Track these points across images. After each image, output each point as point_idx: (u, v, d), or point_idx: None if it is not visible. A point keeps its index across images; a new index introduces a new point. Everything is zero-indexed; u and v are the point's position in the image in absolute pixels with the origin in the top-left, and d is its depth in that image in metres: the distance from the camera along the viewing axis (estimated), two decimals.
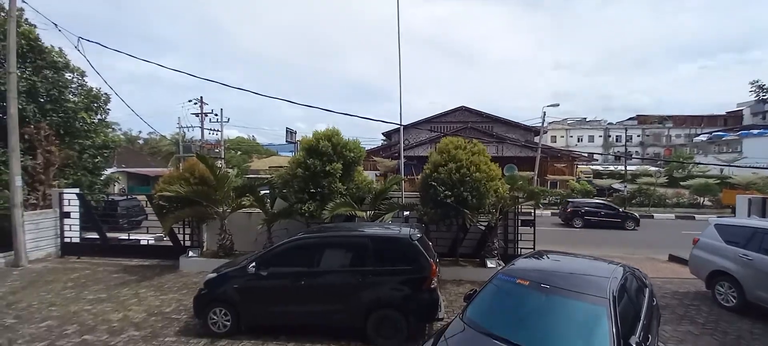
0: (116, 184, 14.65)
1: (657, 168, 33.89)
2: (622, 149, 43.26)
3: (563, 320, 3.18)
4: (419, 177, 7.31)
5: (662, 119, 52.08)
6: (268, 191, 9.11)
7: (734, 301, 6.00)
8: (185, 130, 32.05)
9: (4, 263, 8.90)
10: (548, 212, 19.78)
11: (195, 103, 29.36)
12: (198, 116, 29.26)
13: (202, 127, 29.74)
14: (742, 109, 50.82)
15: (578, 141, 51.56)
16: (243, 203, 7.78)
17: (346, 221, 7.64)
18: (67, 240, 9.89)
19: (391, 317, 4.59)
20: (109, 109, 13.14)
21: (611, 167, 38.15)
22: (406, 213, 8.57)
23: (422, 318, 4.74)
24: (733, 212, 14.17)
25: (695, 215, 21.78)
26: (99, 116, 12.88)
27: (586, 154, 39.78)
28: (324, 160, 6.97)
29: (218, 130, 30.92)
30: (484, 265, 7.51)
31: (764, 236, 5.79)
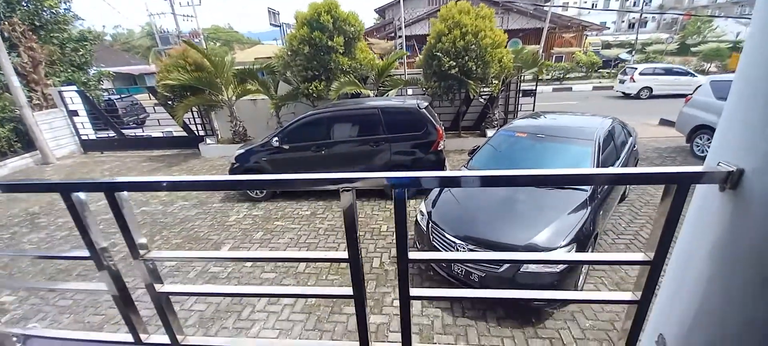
0: (110, 81, 14.20)
1: (669, 35, 31.93)
2: (637, 15, 39.83)
3: (555, 160, 3.73)
4: (422, 50, 7.17)
5: None
6: (268, 76, 9.03)
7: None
8: (154, 17, 29.05)
9: (33, 162, 9.52)
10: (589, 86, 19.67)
11: None
12: (166, 0, 26.08)
13: (174, 13, 26.82)
14: None
15: (592, 6, 47.04)
16: (248, 88, 7.81)
17: (350, 99, 7.83)
18: (84, 138, 10.29)
19: None
20: None
21: (622, 37, 35.89)
22: (410, 90, 8.71)
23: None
24: None
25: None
26: (64, 6, 11.73)
27: (598, 24, 36.88)
28: (327, 34, 6.72)
29: (191, 16, 27.96)
30: (485, 135, 8.03)
31: None
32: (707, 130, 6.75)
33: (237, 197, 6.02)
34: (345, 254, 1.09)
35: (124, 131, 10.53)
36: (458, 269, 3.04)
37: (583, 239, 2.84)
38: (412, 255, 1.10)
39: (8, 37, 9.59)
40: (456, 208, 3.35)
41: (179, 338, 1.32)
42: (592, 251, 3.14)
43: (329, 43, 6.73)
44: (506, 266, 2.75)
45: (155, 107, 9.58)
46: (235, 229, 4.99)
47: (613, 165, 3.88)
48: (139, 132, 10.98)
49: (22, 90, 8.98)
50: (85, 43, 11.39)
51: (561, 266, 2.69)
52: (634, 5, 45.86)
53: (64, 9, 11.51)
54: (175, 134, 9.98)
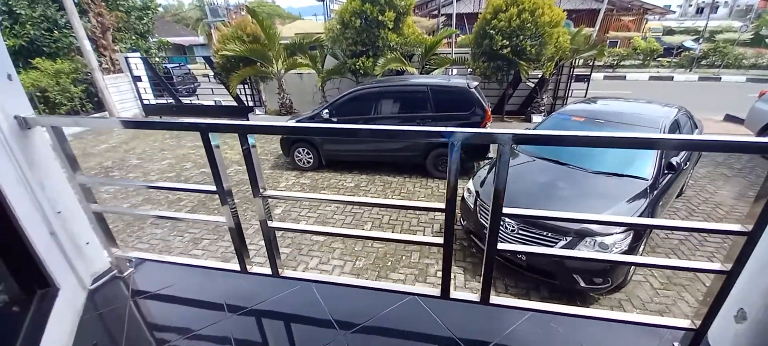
0: (165, 51, 15.14)
1: (743, 23, 28.25)
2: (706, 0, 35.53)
3: (614, 149, 3.61)
4: (475, 26, 6.97)
5: None
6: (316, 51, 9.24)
7: None
8: None
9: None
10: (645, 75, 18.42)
11: None
12: None
13: None
14: None
15: None
16: (297, 61, 8.06)
17: (394, 76, 7.86)
18: (146, 102, 11.17)
19: (446, 155, 5.33)
20: None
21: (688, 23, 32.33)
22: (454, 70, 8.56)
23: (475, 156, 5.46)
24: None
25: None
26: None
27: (662, 7, 33.42)
28: (377, 7, 6.72)
29: None
30: (530, 120, 7.79)
31: None
32: None
33: (285, 165, 6.37)
34: (441, 205, 1.21)
35: (180, 99, 11.32)
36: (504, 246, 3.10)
37: (640, 230, 2.79)
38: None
39: (79, 1, 10.44)
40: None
41: (279, 270, 1.54)
42: (646, 244, 3.07)
43: (380, 17, 6.74)
44: (561, 244, 2.77)
45: (209, 77, 10.17)
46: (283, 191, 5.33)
47: (678, 158, 3.69)
48: (193, 99, 11.74)
49: (93, 54, 9.85)
50: (148, 11, 12.15)
51: (615, 252, 2.68)
52: None
53: None
54: (224, 104, 10.58)
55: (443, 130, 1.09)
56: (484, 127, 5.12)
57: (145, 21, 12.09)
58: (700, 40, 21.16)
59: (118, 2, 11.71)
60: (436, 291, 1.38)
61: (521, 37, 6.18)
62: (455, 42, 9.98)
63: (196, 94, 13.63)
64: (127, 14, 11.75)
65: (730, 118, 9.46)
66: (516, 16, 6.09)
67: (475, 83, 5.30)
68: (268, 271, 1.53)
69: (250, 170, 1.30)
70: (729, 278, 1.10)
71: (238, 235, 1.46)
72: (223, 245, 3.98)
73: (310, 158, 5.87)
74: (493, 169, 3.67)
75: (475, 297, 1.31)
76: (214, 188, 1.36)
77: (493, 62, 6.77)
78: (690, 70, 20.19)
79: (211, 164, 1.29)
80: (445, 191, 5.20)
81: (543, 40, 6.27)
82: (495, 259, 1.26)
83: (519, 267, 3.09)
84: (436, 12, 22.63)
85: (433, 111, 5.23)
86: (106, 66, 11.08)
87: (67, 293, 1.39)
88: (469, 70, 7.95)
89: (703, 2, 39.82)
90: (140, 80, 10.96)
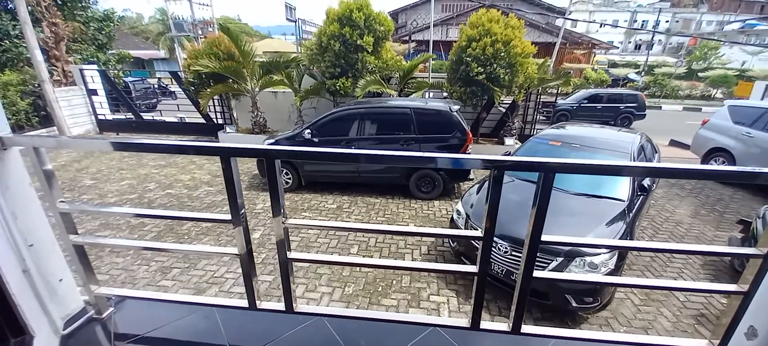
0: (126, 64, 14.27)
1: (678, 59, 32.33)
2: (646, 35, 40.34)
3: None
4: (451, 53, 7.28)
5: (698, 2, 46.94)
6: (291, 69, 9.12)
7: None
8: (169, 3, 28.98)
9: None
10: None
11: None
12: None
13: (191, 1, 26.86)
14: None
15: (600, 26, 47.48)
16: (273, 80, 7.89)
17: (373, 98, 7.93)
18: (101, 117, 10.32)
19: (430, 176, 5.39)
20: None
21: (628, 57, 36.28)
22: (430, 94, 8.83)
23: (456, 178, 5.56)
24: None
25: (702, 107, 21.95)
26: None
27: (606, 43, 37.27)
28: (357, 32, 6.82)
29: (206, 5, 27.97)
30: (503, 143, 8.15)
31: None
32: (723, 153, 6.89)
33: (262, 185, 6.09)
34: (479, 233, 1.17)
35: (140, 114, 10.58)
36: (498, 268, 3.12)
37: (626, 251, 2.94)
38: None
39: (32, 10, 9.65)
40: None
41: (294, 305, 1.40)
42: (625, 263, 3.24)
43: (359, 41, 6.84)
44: (553, 265, 2.84)
45: (171, 92, 9.65)
46: (263, 217, 5.06)
47: (649, 180, 3.99)
48: (154, 115, 11.04)
49: (45, 65, 9.02)
50: (109, 22, 11.47)
51: (603, 272, 2.78)
52: (642, 27, 46.33)
53: None
54: (187, 121, 10.04)
55: (463, 157, 1.08)
56: (465, 149, 5.27)
57: (104, 32, 11.36)
58: (642, 73, 23.74)
59: (75, 13, 10.96)
60: (463, 322, 1.32)
61: (495, 65, 6.53)
62: (430, 67, 10.35)
63: (158, 110, 12.87)
64: (84, 25, 10.99)
65: (674, 143, 10.55)
66: (490, 46, 6.45)
67: (456, 107, 5.48)
68: (280, 306, 1.39)
69: (274, 197, 1.19)
70: (746, 299, 1.15)
71: (248, 264, 1.32)
72: (197, 274, 3.65)
73: (289, 179, 5.66)
74: (483, 191, 3.75)
75: (506, 327, 1.27)
76: (227, 216, 1.23)
77: (469, 87, 7.06)
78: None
79: (229, 191, 1.17)
80: (429, 212, 5.25)
81: (515, 69, 6.67)
82: (509, 286, 1.23)
83: (510, 288, 3.11)
84: (406, 37, 23.56)
85: (416, 133, 5.30)
86: (58, 78, 10.19)
87: (42, 340, 1.16)
88: (445, 93, 8.23)
89: (640, 40, 45.01)
90: (96, 94, 10.16)
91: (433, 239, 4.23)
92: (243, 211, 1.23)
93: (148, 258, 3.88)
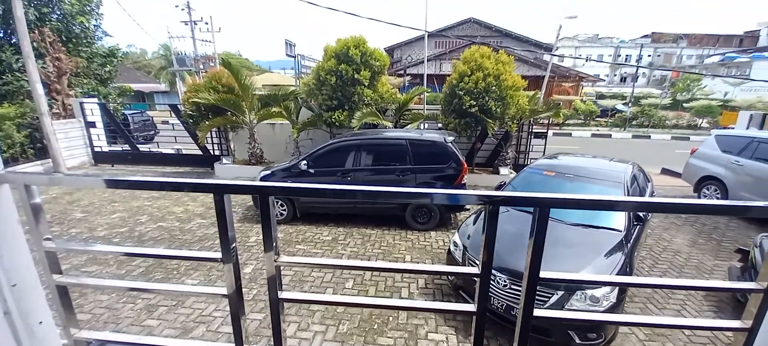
0: (126, 97, 14.52)
1: (661, 90, 33.65)
2: (630, 69, 42.22)
3: None
4: (445, 86, 7.52)
5: (677, 38, 49.64)
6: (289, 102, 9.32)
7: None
8: (174, 39, 30.06)
9: (43, 171, 9.47)
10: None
11: (182, 10, 27.08)
12: (187, 24, 27.22)
13: (193, 38, 27.89)
14: (759, 30, 48.22)
15: (586, 60, 49.75)
16: (271, 112, 8.04)
17: (369, 129, 8.06)
18: (97, 149, 10.32)
19: (426, 207, 5.37)
20: (102, 13, 12.46)
21: (615, 89, 37.69)
22: (425, 125, 9.00)
23: (453, 208, 5.54)
24: None
25: (690, 136, 22.54)
26: (95, 22, 12.28)
27: (593, 75, 38.86)
28: (353, 67, 7.06)
29: (208, 41, 29.05)
30: (498, 172, 8.23)
31: (759, 144, 6.38)
32: (714, 181, 6.98)
33: (256, 218, 6.00)
34: (477, 270, 1.15)
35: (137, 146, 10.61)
36: (498, 302, 3.04)
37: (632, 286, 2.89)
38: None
39: (36, 45, 9.93)
40: None
41: None
42: (627, 295, 3.17)
43: (356, 75, 7.06)
44: (553, 300, 2.77)
45: (173, 124, 9.75)
46: (256, 250, 4.95)
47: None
48: (151, 147, 11.07)
49: (45, 98, 9.14)
50: (113, 59, 11.78)
51: (604, 306, 2.71)
52: (626, 61, 48.60)
53: (94, 25, 12.03)
54: (184, 152, 10.07)
55: (459, 193, 1.08)
56: (461, 179, 5.29)
57: (107, 68, 11.64)
58: (629, 104, 24.54)
59: (80, 49, 11.28)
60: None
61: (487, 98, 6.74)
62: (424, 99, 10.65)
63: (155, 142, 12.93)
64: (88, 60, 11.28)
65: (666, 172, 10.70)
66: (482, 80, 6.69)
67: (451, 138, 5.57)
68: None
69: (266, 234, 1.17)
70: (751, 335, 1.12)
71: (238, 306, 1.26)
72: (184, 312, 3.49)
73: (284, 210, 5.60)
74: (480, 222, 3.73)
75: None
76: (216, 254, 1.20)
77: (463, 119, 7.23)
78: (624, 129, 22.96)
79: (220, 227, 1.14)
80: (425, 243, 5.17)
81: (506, 102, 6.88)
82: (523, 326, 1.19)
83: (511, 324, 3.01)
84: (402, 71, 24.45)
85: (412, 164, 5.34)
86: (58, 111, 10.29)
87: None
88: (439, 125, 8.40)
89: (626, 73, 47.04)
90: (94, 126, 10.23)
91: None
92: (234, 245, 1.20)
93: (133, 296, 3.73)
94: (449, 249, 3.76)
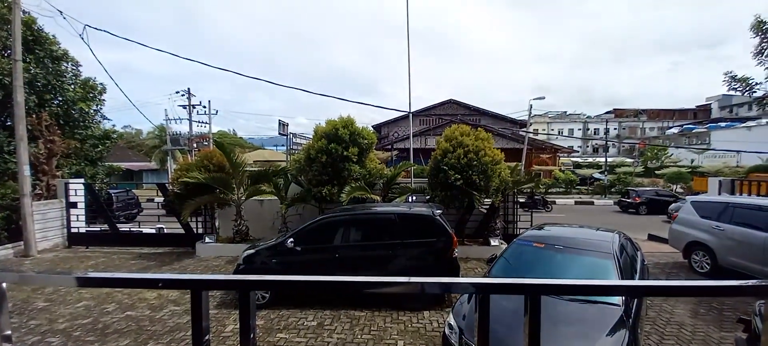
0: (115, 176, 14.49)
1: (633, 159, 35.95)
2: (600, 141, 45.52)
3: (579, 270, 3.78)
4: (429, 163, 7.84)
5: (637, 113, 54.84)
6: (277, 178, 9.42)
7: (708, 267, 6.86)
8: (171, 122, 31.33)
9: (13, 254, 8.89)
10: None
11: (182, 95, 28.84)
12: (185, 108, 28.78)
13: (190, 120, 29.22)
14: (710, 103, 54.09)
15: (559, 134, 53.70)
16: (261, 189, 8.07)
17: (357, 204, 8.10)
18: (74, 230, 9.88)
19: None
20: (104, 99, 13.07)
21: (590, 159, 40.10)
22: (413, 198, 9.12)
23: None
24: None
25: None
26: (95, 107, 12.79)
27: (567, 147, 41.53)
28: (342, 146, 7.37)
29: (204, 123, 30.42)
30: (488, 243, 8.15)
31: (734, 209, 6.64)
32: (702, 246, 7.03)
33: (234, 302, 5.56)
34: None
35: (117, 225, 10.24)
36: None
37: None
38: None
39: (31, 129, 10.10)
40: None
41: None
42: None
43: (345, 153, 7.34)
44: None
45: (158, 203, 9.59)
46: (231, 342, 4.51)
47: (632, 278, 3.94)
48: (132, 226, 10.69)
49: (30, 179, 9.01)
50: (107, 141, 11.99)
51: None
52: (595, 134, 52.71)
53: (95, 109, 12.50)
54: (168, 232, 9.73)
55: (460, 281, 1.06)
56: (452, 252, 5.20)
57: (99, 149, 11.79)
58: (606, 173, 25.81)
59: (75, 131, 11.53)
60: None
61: (470, 172, 7.02)
62: (412, 172, 10.99)
63: (137, 220, 12.55)
64: (81, 143, 11.46)
65: (652, 237, 10.81)
66: (464, 156, 7.05)
67: (439, 211, 5.61)
68: None
69: (244, 331, 1.08)
70: None
71: None
72: None
73: (266, 293, 5.24)
74: (473, 300, 3.56)
75: None
76: None
77: (449, 192, 7.40)
78: (605, 196, 23.74)
79: (194, 329, 1.05)
80: (419, 325, 4.82)
81: (488, 175, 7.16)
82: None
83: None
84: (389, 146, 25.67)
85: (402, 238, 5.26)
86: (40, 192, 10.07)
87: None
88: (426, 197, 8.53)
89: (597, 144, 50.52)
90: (75, 207, 9.93)
91: None
92: (207, 337, 1.09)
93: None
94: (444, 332, 3.51)
